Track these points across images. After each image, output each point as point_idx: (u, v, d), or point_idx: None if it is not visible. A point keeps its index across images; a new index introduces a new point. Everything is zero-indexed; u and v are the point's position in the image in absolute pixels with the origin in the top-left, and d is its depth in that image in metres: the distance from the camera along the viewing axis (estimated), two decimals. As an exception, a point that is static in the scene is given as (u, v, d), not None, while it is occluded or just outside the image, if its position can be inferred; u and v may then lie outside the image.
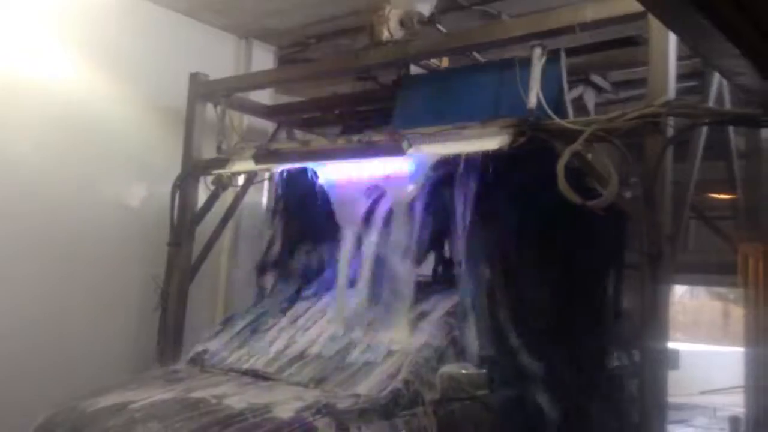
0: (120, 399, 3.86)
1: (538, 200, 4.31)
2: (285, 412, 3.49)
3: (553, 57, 4.39)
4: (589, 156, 3.88)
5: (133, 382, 4.29)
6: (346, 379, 3.94)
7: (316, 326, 4.62)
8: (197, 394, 3.88)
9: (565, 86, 4.55)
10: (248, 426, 3.37)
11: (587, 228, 4.66)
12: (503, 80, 4.66)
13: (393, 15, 5.15)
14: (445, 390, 3.76)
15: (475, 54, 5.40)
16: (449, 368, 3.83)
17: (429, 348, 4.02)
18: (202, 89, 6.13)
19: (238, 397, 3.77)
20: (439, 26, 5.28)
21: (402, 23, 5.17)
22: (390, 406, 3.65)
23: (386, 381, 3.79)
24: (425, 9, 5.27)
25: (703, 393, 10.27)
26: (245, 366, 4.41)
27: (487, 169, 4.27)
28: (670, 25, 2.94)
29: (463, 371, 3.82)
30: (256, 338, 4.74)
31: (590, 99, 4.93)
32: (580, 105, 4.95)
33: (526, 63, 4.35)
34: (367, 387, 3.80)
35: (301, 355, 4.32)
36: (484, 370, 3.88)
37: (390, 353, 4.02)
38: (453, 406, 3.83)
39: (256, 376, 4.23)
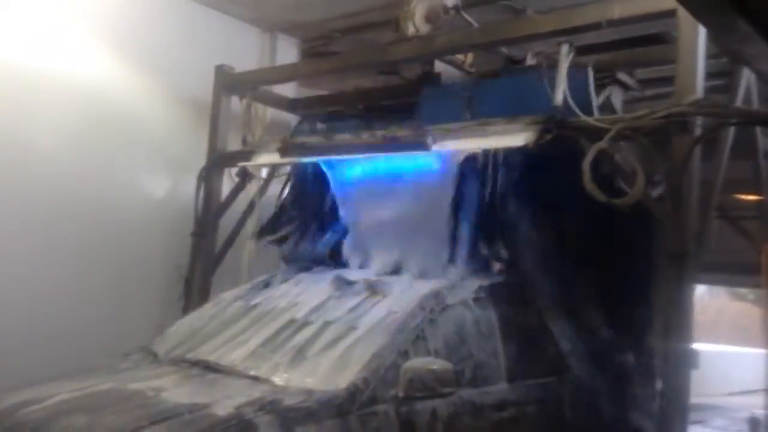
0: (51, 390, 3.56)
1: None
2: (224, 408, 3.16)
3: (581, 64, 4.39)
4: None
5: (75, 371, 3.96)
6: (303, 373, 3.59)
7: (285, 314, 4.26)
8: (135, 386, 3.57)
9: (593, 93, 4.52)
10: (180, 423, 3.06)
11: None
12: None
13: (418, 10, 5.15)
14: (409, 387, 3.43)
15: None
16: (414, 363, 3.52)
17: (395, 341, 3.69)
18: (227, 81, 6.18)
19: (178, 391, 3.48)
20: (465, 15, 5.25)
21: (427, 18, 5.17)
22: (345, 404, 3.31)
23: (345, 376, 3.45)
24: (450, 2, 5.27)
25: (724, 395, 10.20)
26: (198, 357, 4.04)
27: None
28: (713, 29, 2.92)
29: (430, 367, 3.51)
30: (222, 325, 4.38)
31: (617, 98, 4.90)
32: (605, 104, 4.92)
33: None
34: (323, 381, 3.46)
35: (260, 346, 3.97)
36: (452, 366, 3.60)
37: (355, 345, 3.70)
38: (418, 405, 3.51)
39: (208, 367, 3.88)
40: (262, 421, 3.08)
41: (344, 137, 5.10)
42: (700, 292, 14.85)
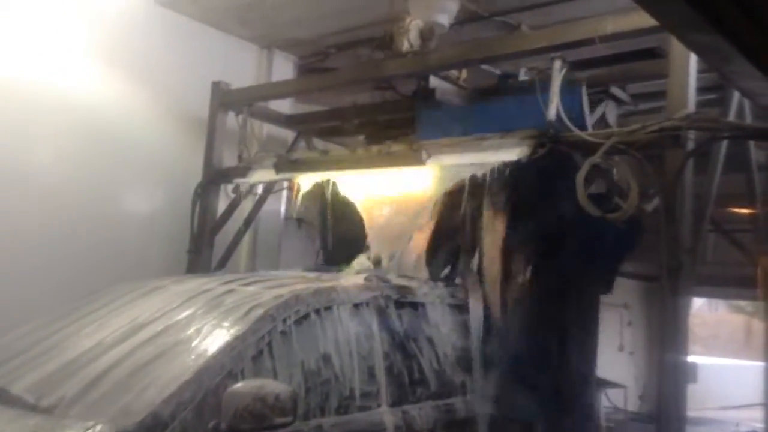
0: None
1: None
2: None
3: (574, 80, 4.42)
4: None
5: None
6: (96, 403, 2.85)
7: (106, 329, 3.48)
8: None
9: (587, 108, 4.54)
10: None
11: None
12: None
13: (413, 26, 5.20)
14: (234, 418, 2.75)
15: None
16: (241, 388, 2.82)
17: (223, 360, 2.97)
18: (223, 98, 6.21)
19: None
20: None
21: (422, 34, 5.21)
22: None
23: (144, 406, 2.73)
24: (445, 20, 5.31)
25: (723, 408, 10.17)
26: None
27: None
28: (694, 48, 2.95)
29: (261, 392, 2.80)
30: (34, 344, 3.59)
31: (611, 113, 4.94)
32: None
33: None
34: (117, 415, 2.72)
35: (61, 369, 3.18)
36: (291, 389, 2.95)
37: (171, 366, 2.99)
38: None
39: None
40: None
41: (339, 153, 5.13)
42: (699, 305, 14.87)
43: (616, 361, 9.23)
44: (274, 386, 2.89)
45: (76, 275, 5.53)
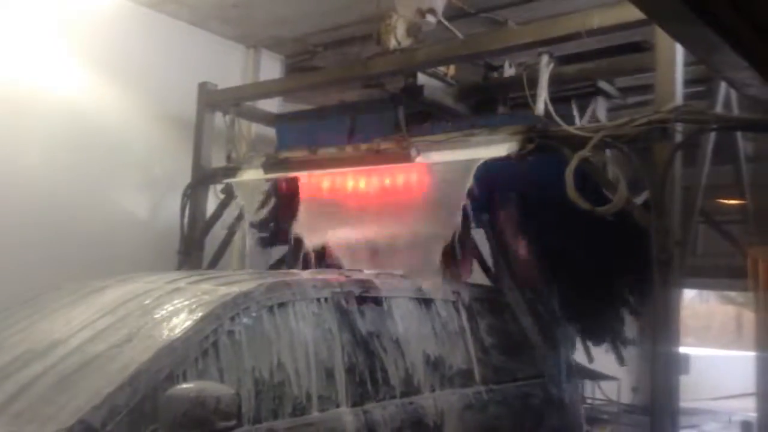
0: None
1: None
2: None
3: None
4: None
5: None
6: (19, 415, 2.60)
7: (34, 337, 3.21)
8: None
9: None
10: None
11: None
12: None
13: (400, 23, 5.18)
14: (173, 423, 2.55)
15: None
16: (180, 391, 2.61)
17: (162, 361, 2.75)
18: (210, 98, 6.18)
19: None
20: (446, 23, 5.27)
21: (409, 31, 5.19)
22: None
23: (71, 414, 2.50)
24: (432, 17, 5.30)
25: (715, 399, 10.22)
26: None
27: None
28: (681, 39, 2.96)
29: (202, 394, 2.60)
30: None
31: (601, 108, 4.94)
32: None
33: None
34: (43, 425, 2.49)
35: (18, 358, 2.99)
36: (234, 392, 2.73)
37: (104, 371, 2.77)
38: None
39: None
40: None
41: (328, 151, 5.11)
42: (690, 296, 14.92)
43: (610, 353, 9.24)
44: (215, 389, 2.68)
45: (65, 278, 5.50)
